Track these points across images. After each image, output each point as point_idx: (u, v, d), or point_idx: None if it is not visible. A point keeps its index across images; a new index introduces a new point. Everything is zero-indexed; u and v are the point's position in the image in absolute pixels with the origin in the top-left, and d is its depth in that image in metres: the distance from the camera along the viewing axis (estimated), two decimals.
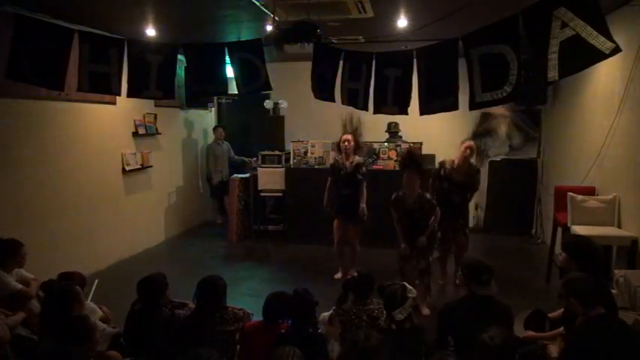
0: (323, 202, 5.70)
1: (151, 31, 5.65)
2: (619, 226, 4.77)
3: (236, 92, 4.12)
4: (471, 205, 7.88)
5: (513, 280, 5.42)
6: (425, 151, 7.07)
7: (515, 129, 8.01)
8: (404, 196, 4.61)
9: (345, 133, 5.65)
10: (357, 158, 5.51)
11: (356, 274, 3.47)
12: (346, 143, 5.45)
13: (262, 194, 7.51)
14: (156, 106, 7.19)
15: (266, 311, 3.19)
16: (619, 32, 3.86)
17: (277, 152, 7.50)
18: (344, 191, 5.47)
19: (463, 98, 3.40)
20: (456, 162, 5.19)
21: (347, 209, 5.48)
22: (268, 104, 8.09)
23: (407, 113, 3.72)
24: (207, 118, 9.10)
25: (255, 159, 7.79)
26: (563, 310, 3.21)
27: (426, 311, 4.58)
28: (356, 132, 6.39)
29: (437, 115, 3.69)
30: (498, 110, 7.74)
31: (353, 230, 5.56)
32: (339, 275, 5.66)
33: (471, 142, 5.25)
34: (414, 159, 4.67)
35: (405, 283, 3.15)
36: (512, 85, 3.11)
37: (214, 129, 8.54)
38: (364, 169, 5.51)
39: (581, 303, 2.66)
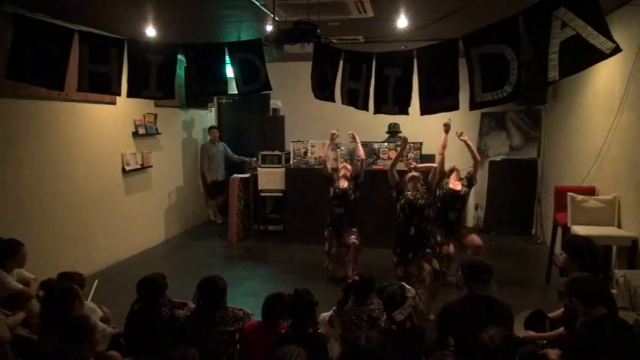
0: (324, 201, 5.62)
1: (151, 31, 5.65)
2: (619, 226, 4.77)
3: (236, 92, 4.12)
4: (471, 205, 7.92)
5: (513, 280, 5.42)
6: (425, 151, 7.07)
7: (515, 129, 8.01)
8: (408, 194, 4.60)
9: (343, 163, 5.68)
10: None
11: (357, 278, 3.44)
12: (347, 172, 5.46)
13: (262, 194, 7.51)
14: (156, 106, 7.19)
15: (265, 312, 3.19)
16: (619, 32, 3.86)
17: (277, 152, 7.49)
18: (337, 210, 5.46)
19: (463, 98, 3.40)
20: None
21: (340, 226, 5.48)
22: (274, 104, 8.13)
23: (407, 113, 3.72)
24: (207, 118, 9.10)
25: (255, 159, 7.79)
26: (563, 310, 3.22)
27: (432, 316, 4.48)
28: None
29: (437, 115, 3.68)
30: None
31: (350, 234, 5.43)
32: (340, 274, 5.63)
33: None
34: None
35: (403, 283, 3.14)
36: (512, 85, 3.11)
37: (209, 129, 8.57)
38: (360, 179, 5.42)
39: (583, 303, 2.66)
